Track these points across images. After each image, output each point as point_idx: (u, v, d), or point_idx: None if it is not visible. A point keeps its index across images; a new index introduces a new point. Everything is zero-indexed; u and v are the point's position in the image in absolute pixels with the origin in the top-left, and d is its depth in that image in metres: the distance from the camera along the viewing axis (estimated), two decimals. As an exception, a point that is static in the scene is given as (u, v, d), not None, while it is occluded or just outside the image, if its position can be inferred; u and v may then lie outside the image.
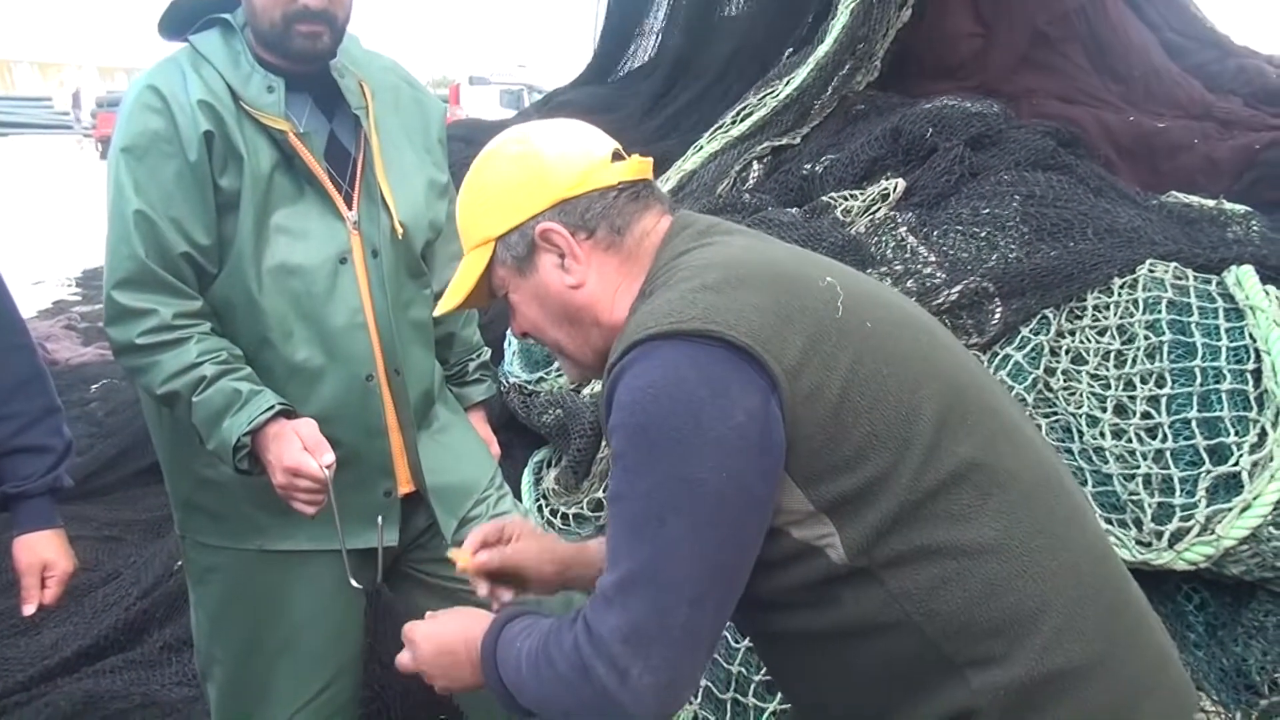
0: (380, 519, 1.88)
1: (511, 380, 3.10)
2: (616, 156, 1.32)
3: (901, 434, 1.12)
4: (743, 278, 1.17)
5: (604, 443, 2.83)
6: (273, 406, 1.68)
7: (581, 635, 1.13)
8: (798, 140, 3.74)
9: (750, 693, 2.20)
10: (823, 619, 1.16)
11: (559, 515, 2.76)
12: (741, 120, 3.88)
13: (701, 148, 3.86)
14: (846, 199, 3.15)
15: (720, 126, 3.95)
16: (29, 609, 1.91)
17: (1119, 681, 1.13)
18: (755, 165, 3.62)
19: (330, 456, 1.66)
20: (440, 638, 1.34)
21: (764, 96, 3.95)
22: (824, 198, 3.22)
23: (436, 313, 1.44)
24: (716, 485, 1.07)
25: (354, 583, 1.82)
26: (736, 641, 2.24)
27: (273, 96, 1.78)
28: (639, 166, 1.33)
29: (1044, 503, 1.18)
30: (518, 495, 2.80)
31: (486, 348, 2.25)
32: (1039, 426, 2.31)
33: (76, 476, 2.88)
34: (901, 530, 1.11)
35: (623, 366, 1.13)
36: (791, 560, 1.15)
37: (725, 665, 2.22)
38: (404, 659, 1.38)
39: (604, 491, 2.74)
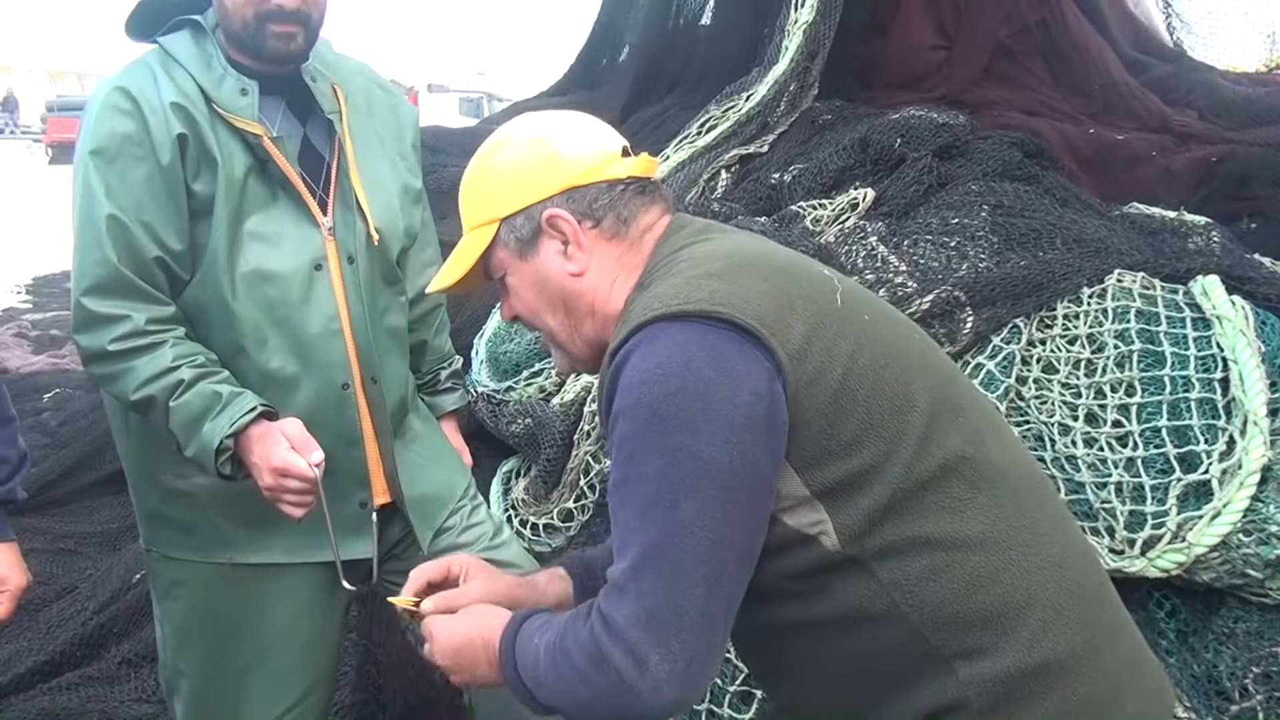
0: (374, 520, 1.86)
1: (480, 389, 3.07)
2: (625, 153, 1.33)
3: (896, 423, 1.14)
4: (745, 266, 1.19)
5: (574, 452, 2.81)
6: (255, 408, 1.65)
7: (598, 625, 1.12)
8: (765, 149, 3.75)
9: (725, 703, 2.19)
10: (812, 609, 1.18)
11: (529, 525, 2.73)
12: (706, 131, 3.90)
13: (669, 157, 3.87)
14: (815, 208, 3.16)
15: (686, 136, 3.97)
16: None
17: (1102, 674, 1.16)
18: (724, 174, 3.62)
19: (319, 455, 1.62)
20: (459, 635, 1.33)
21: (726, 110, 3.99)
22: (793, 207, 3.23)
23: (430, 288, 1.42)
24: (727, 463, 1.08)
25: (347, 585, 1.78)
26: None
27: (246, 100, 1.74)
28: (647, 164, 1.34)
29: (1030, 499, 1.21)
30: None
31: (458, 356, 2.23)
32: (1011, 435, 2.33)
33: (29, 488, 2.81)
34: (893, 519, 1.13)
35: (628, 350, 1.14)
36: (784, 548, 1.16)
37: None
38: (426, 649, 1.37)
39: (575, 502, 2.72)
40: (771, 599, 1.20)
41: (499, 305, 1.43)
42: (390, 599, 1.48)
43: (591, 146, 1.31)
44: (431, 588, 1.45)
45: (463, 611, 1.37)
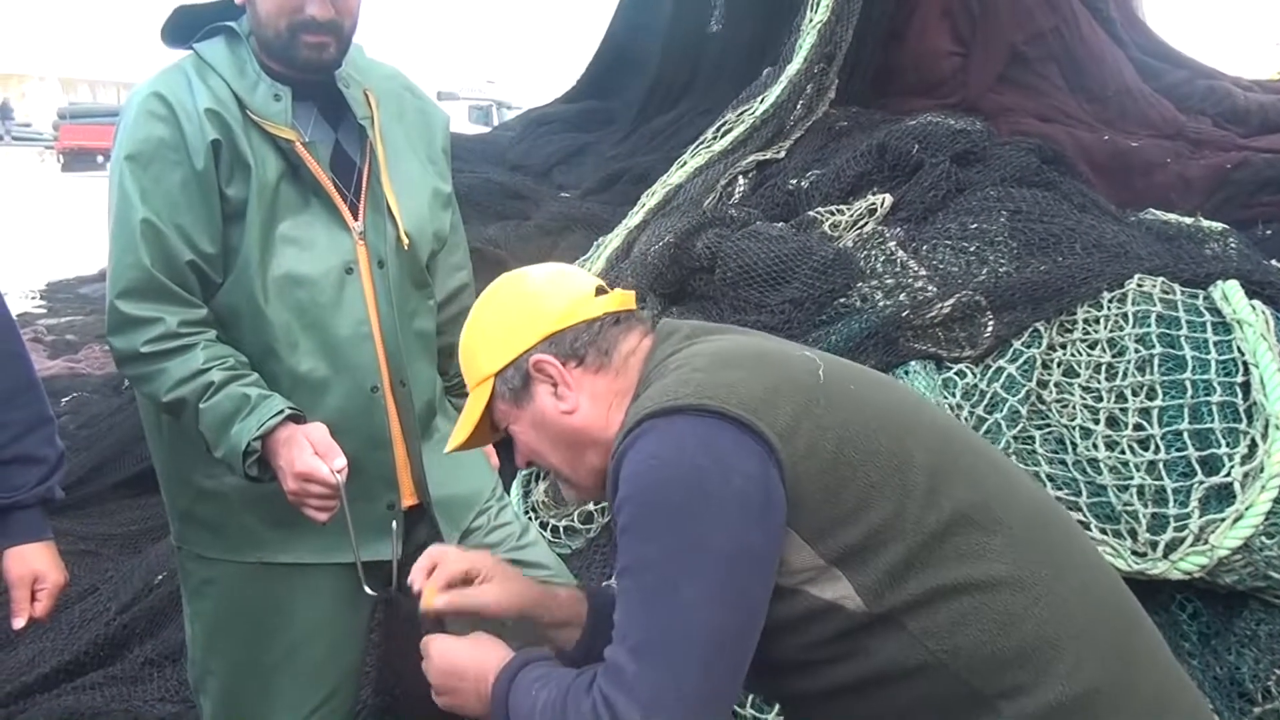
0: (395, 525, 1.87)
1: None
2: (599, 291, 1.42)
3: (898, 482, 1.18)
4: (729, 360, 1.26)
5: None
6: (282, 411, 1.67)
7: (600, 705, 1.14)
8: (782, 155, 3.77)
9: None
10: (851, 671, 1.20)
11: (548, 528, 2.75)
12: (722, 136, 3.92)
13: (685, 163, 3.89)
14: (833, 214, 3.18)
15: (702, 142, 3.99)
16: (19, 622, 1.87)
17: (1141, 700, 1.17)
18: (740, 180, 3.64)
19: (342, 461, 1.64)
20: (453, 659, 1.37)
21: (742, 113, 4.01)
22: (810, 212, 3.25)
23: (447, 450, 1.52)
24: (724, 548, 1.13)
25: (368, 589, 1.80)
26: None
27: (279, 105, 1.77)
28: (621, 298, 1.43)
29: (1044, 532, 1.24)
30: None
31: (486, 359, 2.24)
32: (1032, 439, 2.34)
33: (57, 489, 2.84)
34: (915, 573, 1.16)
35: (625, 446, 1.20)
36: (812, 618, 1.19)
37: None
38: (425, 668, 1.40)
39: (594, 504, 2.74)
40: (811, 668, 1.22)
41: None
42: (410, 582, 1.50)
43: (565, 292, 1.40)
44: (450, 586, 1.48)
45: (465, 639, 1.40)
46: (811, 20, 3.92)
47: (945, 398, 2.40)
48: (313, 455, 1.63)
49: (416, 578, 1.48)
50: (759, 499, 1.14)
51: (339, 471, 1.63)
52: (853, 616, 1.16)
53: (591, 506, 2.75)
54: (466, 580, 1.49)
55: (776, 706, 2.16)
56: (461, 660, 1.36)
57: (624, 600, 1.18)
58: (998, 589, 1.15)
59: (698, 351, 1.30)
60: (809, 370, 1.26)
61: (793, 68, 3.91)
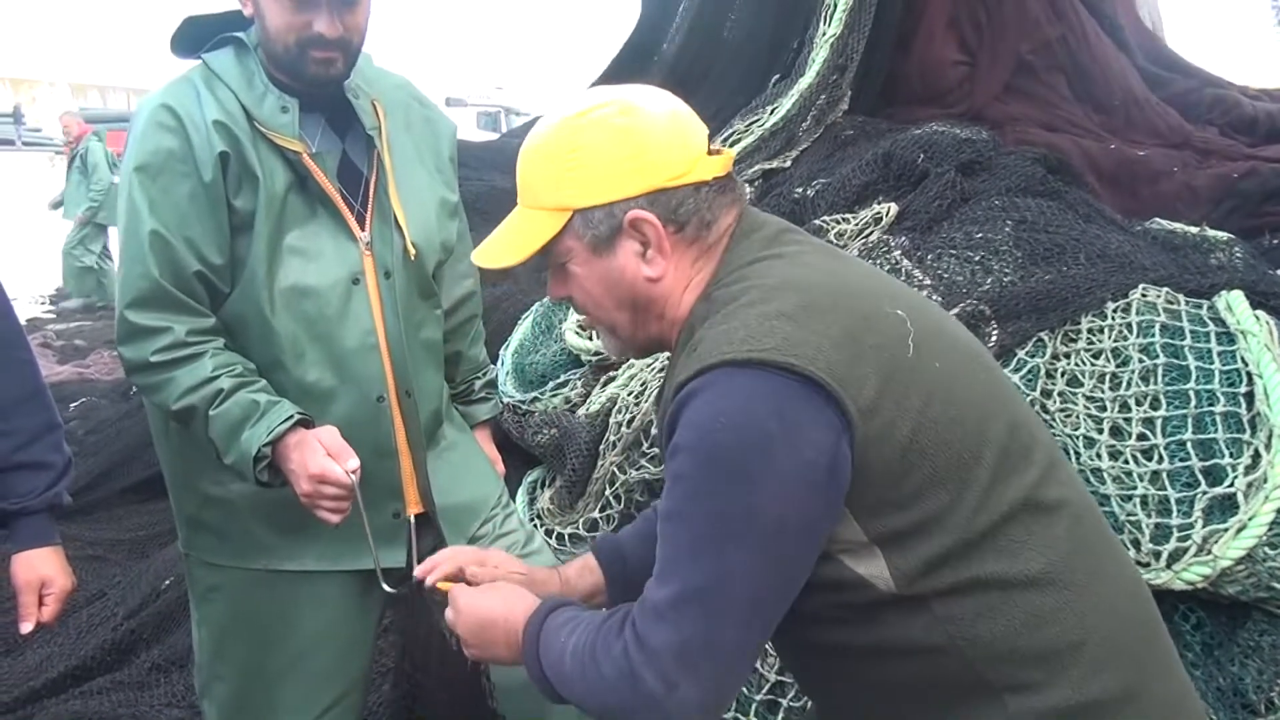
0: (409, 527, 1.89)
1: (506, 400, 3.10)
2: (709, 149, 1.27)
3: (961, 476, 1.13)
4: (818, 306, 1.15)
5: (600, 462, 2.83)
6: (292, 416, 1.68)
7: (632, 645, 1.14)
8: (788, 164, 3.78)
9: (752, 712, 2.20)
10: (866, 636, 1.18)
11: (554, 535, 2.76)
12: (731, 145, 3.93)
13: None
14: (839, 222, 3.18)
15: (710, 150, 4.00)
16: (26, 627, 1.88)
17: (1148, 711, 1.16)
18: (747, 188, 3.65)
19: (355, 462, 1.65)
20: (482, 610, 1.35)
21: (751, 124, 4.03)
22: (816, 220, 3.25)
23: (477, 261, 1.34)
24: (779, 518, 1.08)
25: (387, 588, 1.80)
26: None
27: (287, 117, 1.78)
28: (727, 160, 1.28)
29: (1086, 536, 1.20)
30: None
31: (492, 365, 2.26)
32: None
33: (65, 494, 2.85)
34: (951, 565, 1.13)
35: (693, 389, 1.11)
36: (840, 586, 1.16)
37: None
38: (448, 616, 1.39)
39: (600, 511, 2.75)
40: (825, 622, 1.20)
41: (536, 302, 1.40)
42: (434, 581, 1.50)
43: (684, 144, 1.23)
44: (462, 574, 1.49)
45: (490, 587, 1.39)
46: (825, 34, 3.93)
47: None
48: (325, 457, 1.64)
49: (425, 567, 1.49)
50: (824, 472, 1.07)
51: (352, 472, 1.64)
52: (880, 594, 1.14)
53: (597, 514, 2.76)
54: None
55: (788, 697, 2.18)
56: (491, 610, 1.34)
57: (668, 546, 1.14)
58: (1030, 588, 1.13)
59: (784, 280, 1.18)
60: (899, 336, 1.15)
61: (805, 81, 3.92)
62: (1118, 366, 2.43)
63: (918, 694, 1.18)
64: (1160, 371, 2.36)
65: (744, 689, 2.21)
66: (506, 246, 1.29)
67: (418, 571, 1.53)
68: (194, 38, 1.86)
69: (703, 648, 1.11)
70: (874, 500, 1.12)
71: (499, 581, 1.41)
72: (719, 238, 1.27)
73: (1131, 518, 2.13)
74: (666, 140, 1.22)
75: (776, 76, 4.50)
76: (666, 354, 1.35)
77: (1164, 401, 2.31)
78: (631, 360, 2.87)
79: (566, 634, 1.23)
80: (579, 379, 3.07)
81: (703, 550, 1.10)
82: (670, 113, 1.26)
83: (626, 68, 5.91)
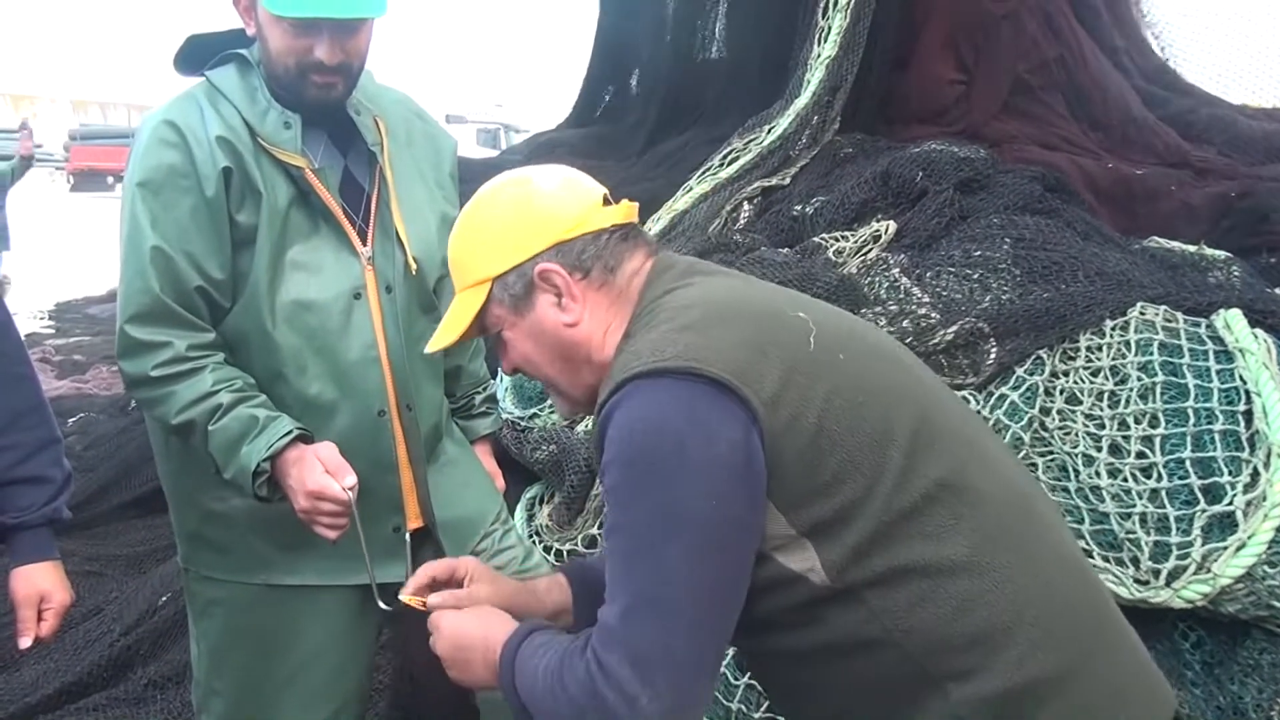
0: (406, 543, 1.89)
1: (504, 416, 3.10)
2: (605, 201, 1.38)
3: (875, 459, 1.18)
4: (720, 316, 1.24)
5: (598, 480, 2.84)
6: (291, 431, 1.69)
7: (593, 664, 1.17)
8: (787, 181, 3.80)
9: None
10: (808, 638, 1.22)
11: (553, 552, 2.76)
12: (729, 164, 3.95)
13: (691, 189, 3.91)
14: (838, 240, 3.20)
15: (709, 169, 4.02)
16: (25, 642, 1.88)
17: (1097, 689, 1.19)
18: (746, 205, 3.66)
19: (353, 479, 1.66)
20: (462, 633, 1.38)
21: (749, 142, 4.05)
22: (815, 238, 3.27)
23: (429, 349, 1.46)
24: (704, 512, 1.13)
25: (382, 605, 1.80)
26: (736, 679, 2.24)
27: (289, 133, 1.79)
28: (627, 210, 1.38)
29: (1014, 521, 1.24)
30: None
31: (493, 380, 2.26)
32: (1035, 466, 2.35)
33: (64, 509, 2.85)
34: (879, 551, 1.17)
35: (611, 405, 1.19)
36: (777, 585, 1.20)
37: (725, 703, 2.22)
38: (432, 644, 1.41)
39: (599, 528, 2.75)
40: (770, 629, 1.24)
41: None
42: (400, 595, 1.51)
43: (575, 199, 1.35)
44: (435, 585, 1.50)
45: (472, 611, 1.41)
46: (819, 55, 3.96)
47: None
48: (323, 473, 1.65)
49: (407, 588, 1.50)
50: (741, 464, 1.14)
51: (350, 489, 1.65)
52: (815, 589, 1.18)
53: (596, 530, 2.76)
54: (452, 581, 1.50)
55: (764, 705, 2.18)
56: (471, 633, 1.37)
57: (611, 563, 1.19)
58: (956, 573, 1.16)
59: (691, 300, 1.27)
60: (801, 334, 1.24)
61: (800, 102, 3.95)
62: (1116, 384, 2.44)
63: (867, 695, 1.21)
64: (1159, 389, 2.37)
65: (743, 708, 2.21)
66: (446, 327, 1.42)
67: (401, 593, 1.53)
68: (197, 56, 1.87)
69: (658, 658, 1.14)
70: (795, 491, 1.17)
71: (480, 606, 1.43)
72: (628, 280, 1.36)
73: (1130, 535, 2.14)
74: (559, 197, 1.35)
75: (779, 104, 4.54)
76: None
77: (1163, 419, 2.32)
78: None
79: (539, 656, 1.25)
80: (578, 395, 3.07)
81: (640, 556, 1.16)
82: (561, 177, 1.39)
83: (599, 96, 5.96)
